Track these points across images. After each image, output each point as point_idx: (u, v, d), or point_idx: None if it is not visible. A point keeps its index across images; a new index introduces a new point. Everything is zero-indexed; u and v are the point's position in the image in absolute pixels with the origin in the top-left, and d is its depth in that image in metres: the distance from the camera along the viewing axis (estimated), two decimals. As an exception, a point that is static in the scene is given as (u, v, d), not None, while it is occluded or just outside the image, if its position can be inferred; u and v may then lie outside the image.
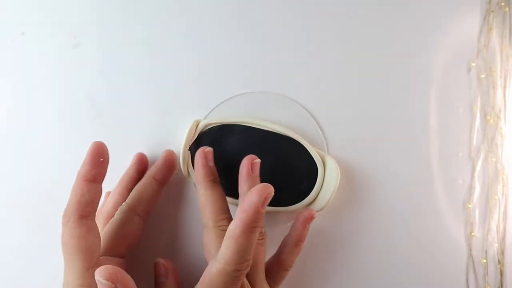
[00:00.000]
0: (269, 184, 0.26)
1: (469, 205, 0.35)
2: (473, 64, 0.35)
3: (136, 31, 0.35)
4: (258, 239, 0.28)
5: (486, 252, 0.35)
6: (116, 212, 0.31)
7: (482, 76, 0.35)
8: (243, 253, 0.26)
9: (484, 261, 0.35)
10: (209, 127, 0.33)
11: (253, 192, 0.26)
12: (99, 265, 0.24)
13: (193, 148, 0.33)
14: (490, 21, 0.36)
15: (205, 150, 0.31)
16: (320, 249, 0.34)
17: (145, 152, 0.34)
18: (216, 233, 0.29)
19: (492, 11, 0.36)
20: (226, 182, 0.32)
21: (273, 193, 0.26)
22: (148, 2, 0.35)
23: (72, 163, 0.34)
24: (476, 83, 0.35)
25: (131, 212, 0.31)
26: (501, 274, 0.35)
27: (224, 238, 0.26)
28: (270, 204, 0.31)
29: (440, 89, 0.35)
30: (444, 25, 0.35)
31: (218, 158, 0.32)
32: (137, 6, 0.36)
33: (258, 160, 0.31)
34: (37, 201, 0.35)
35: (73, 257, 0.26)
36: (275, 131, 0.33)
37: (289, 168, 0.33)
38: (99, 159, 0.28)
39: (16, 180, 0.35)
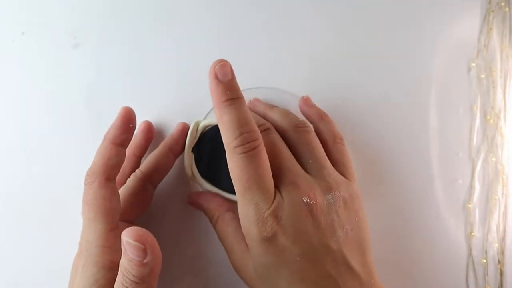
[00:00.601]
0: (219, 59, 0.25)
1: (469, 205, 0.35)
2: (473, 64, 0.35)
3: (136, 31, 0.35)
4: (299, 127, 0.28)
5: (486, 252, 0.35)
6: (130, 178, 0.30)
7: (482, 76, 0.35)
8: (233, 127, 0.24)
9: (484, 261, 0.35)
10: (209, 127, 0.33)
11: (209, 70, 0.25)
12: (119, 229, 0.24)
13: (196, 149, 0.33)
14: (490, 21, 0.36)
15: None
16: None
17: (145, 152, 0.34)
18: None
19: (492, 11, 0.36)
20: (229, 181, 0.32)
21: (224, 61, 0.25)
22: (148, 2, 0.35)
23: (72, 162, 0.35)
24: (476, 83, 0.35)
25: (145, 180, 0.31)
26: (501, 274, 0.35)
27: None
28: None
29: (440, 89, 0.35)
30: (444, 25, 0.35)
31: (222, 157, 0.32)
32: (137, 6, 0.36)
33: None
34: (37, 201, 0.35)
35: (96, 218, 0.26)
36: None
37: None
38: (129, 125, 0.28)
39: (16, 180, 0.35)
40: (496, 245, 0.35)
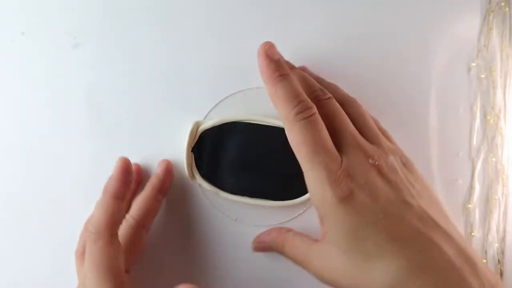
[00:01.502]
0: (265, 41, 0.27)
1: (469, 205, 0.35)
2: (473, 64, 0.35)
3: (136, 31, 0.35)
4: (352, 101, 0.29)
5: (486, 252, 0.35)
6: (123, 226, 0.30)
7: (482, 76, 0.35)
8: (288, 99, 0.25)
9: (484, 261, 0.35)
10: (209, 127, 0.33)
11: (257, 52, 0.27)
12: (124, 282, 0.25)
13: (195, 149, 0.33)
14: (490, 21, 0.36)
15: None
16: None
17: (145, 153, 0.34)
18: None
19: (492, 11, 0.36)
20: (232, 180, 0.32)
21: (271, 43, 0.27)
22: (148, 2, 0.35)
23: (72, 162, 0.35)
24: (476, 83, 0.35)
25: (140, 227, 0.30)
26: (501, 274, 0.35)
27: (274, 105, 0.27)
28: (279, 199, 0.31)
29: (440, 89, 0.35)
30: (444, 25, 0.35)
31: (222, 157, 0.32)
32: (137, 6, 0.36)
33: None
34: (37, 201, 0.35)
35: (104, 277, 0.25)
36: (276, 126, 0.33)
37: (294, 161, 0.33)
38: (128, 177, 0.28)
39: (16, 180, 0.35)
40: (496, 245, 0.35)
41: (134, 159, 0.34)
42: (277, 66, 0.26)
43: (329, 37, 0.35)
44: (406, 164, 0.28)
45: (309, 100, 0.26)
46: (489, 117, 0.35)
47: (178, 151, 0.34)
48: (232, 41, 0.35)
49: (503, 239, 0.35)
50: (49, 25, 0.36)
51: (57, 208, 0.34)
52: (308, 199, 0.33)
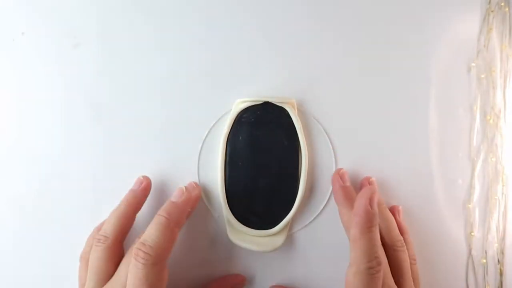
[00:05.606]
0: (370, 186, 0.30)
1: (469, 205, 0.35)
2: (473, 64, 0.35)
3: (136, 31, 0.35)
4: (398, 247, 0.32)
5: (486, 252, 0.35)
6: (99, 248, 0.30)
7: (482, 76, 0.35)
8: (368, 252, 0.28)
9: (484, 261, 0.35)
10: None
11: (360, 196, 0.29)
12: None
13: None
14: (490, 21, 0.36)
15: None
16: (321, 246, 0.34)
17: (145, 153, 0.34)
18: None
19: (492, 11, 0.36)
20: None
21: (376, 192, 0.29)
22: (149, 3, 0.35)
23: (72, 163, 0.35)
24: (476, 83, 0.35)
25: (116, 244, 0.31)
26: (501, 274, 0.35)
27: (350, 245, 0.29)
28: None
29: (440, 89, 0.35)
30: (444, 25, 0.35)
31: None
32: (137, 6, 0.36)
33: (345, 171, 0.33)
34: (38, 201, 0.35)
35: None
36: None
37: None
38: (146, 195, 0.33)
39: (16, 181, 0.35)
40: (496, 245, 0.35)
41: (134, 159, 0.34)
42: (372, 217, 0.28)
43: (328, 39, 0.35)
44: None
45: (382, 256, 0.29)
46: (489, 117, 0.35)
47: (178, 151, 0.34)
48: (234, 43, 0.35)
49: (503, 239, 0.35)
50: (49, 25, 0.36)
51: (57, 208, 0.34)
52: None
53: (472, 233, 0.35)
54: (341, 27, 0.35)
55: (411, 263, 0.33)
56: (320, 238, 0.34)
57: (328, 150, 0.34)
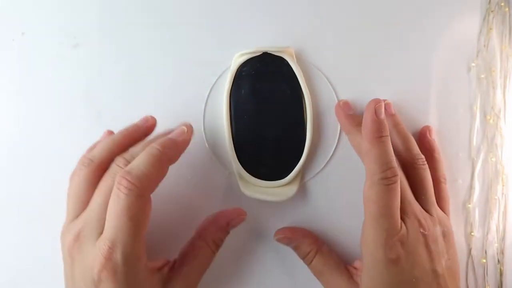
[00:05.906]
0: (376, 98, 0.29)
1: (469, 205, 0.35)
2: (473, 64, 0.35)
3: (136, 31, 0.35)
4: (418, 164, 0.31)
5: (486, 252, 0.35)
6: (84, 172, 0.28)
7: (482, 76, 0.35)
8: (380, 161, 0.27)
9: (484, 261, 0.35)
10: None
11: (365, 109, 0.29)
12: None
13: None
14: (490, 21, 0.36)
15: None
16: (334, 193, 0.34)
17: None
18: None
19: (492, 11, 0.36)
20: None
21: (382, 101, 0.29)
22: (148, 2, 0.35)
23: (72, 163, 0.35)
24: (476, 83, 0.35)
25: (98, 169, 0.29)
26: (501, 274, 0.35)
27: (363, 161, 0.29)
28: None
29: (440, 89, 0.35)
30: (444, 25, 0.35)
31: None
32: (137, 6, 0.36)
33: (346, 100, 0.33)
34: (37, 201, 0.35)
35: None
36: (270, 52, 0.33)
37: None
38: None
39: (16, 180, 0.35)
40: (496, 245, 0.35)
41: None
42: (381, 126, 0.28)
43: (328, 38, 0.35)
44: (446, 232, 0.31)
45: (396, 168, 0.28)
46: (489, 117, 0.35)
47: (183, 113, 0.34)
48: (233, 42, 0.35)
49: (503, 239, 0.35)
50: (49, 25, 0.36)
51: (57, 208, 0.34)
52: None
53: (472, 233, 0.35)
54: (339, 27, 0.35)
55: (440, 182, 0.32)
56: (333, 186, 0.34)
57: (331, 95, 0.35)
